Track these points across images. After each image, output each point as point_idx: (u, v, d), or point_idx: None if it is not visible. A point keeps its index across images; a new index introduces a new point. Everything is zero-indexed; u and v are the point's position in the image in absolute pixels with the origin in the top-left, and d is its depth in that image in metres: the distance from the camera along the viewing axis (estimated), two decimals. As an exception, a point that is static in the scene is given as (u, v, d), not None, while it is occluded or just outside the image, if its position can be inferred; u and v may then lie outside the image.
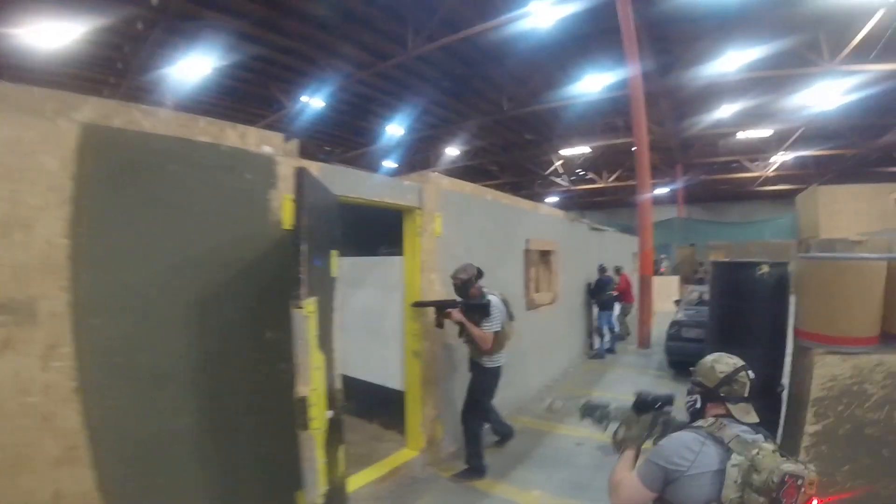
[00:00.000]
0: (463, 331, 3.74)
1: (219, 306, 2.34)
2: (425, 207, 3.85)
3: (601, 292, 7.90)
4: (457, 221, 4.27)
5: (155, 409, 2.12)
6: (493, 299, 3.69)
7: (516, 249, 5.48)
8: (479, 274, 3.73)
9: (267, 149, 2.56)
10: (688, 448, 1.42)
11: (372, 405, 4.73)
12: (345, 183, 3.09)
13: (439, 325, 3.76)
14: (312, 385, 1.88)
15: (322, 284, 2.19)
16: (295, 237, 1.84)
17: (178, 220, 2.22)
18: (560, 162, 21.01)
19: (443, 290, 3.97)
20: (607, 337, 8.11)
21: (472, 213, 4.57)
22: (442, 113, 14.77)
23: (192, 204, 2.27)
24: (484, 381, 3.86)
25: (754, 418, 1.51)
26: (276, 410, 2.45)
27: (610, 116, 14.98)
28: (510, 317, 3.96)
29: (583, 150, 18.33)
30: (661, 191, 21.80)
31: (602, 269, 8.08)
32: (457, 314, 3.62)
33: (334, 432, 2.27)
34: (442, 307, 3.71)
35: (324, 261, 2.31)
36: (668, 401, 1.74)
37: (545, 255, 6.33)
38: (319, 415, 1.97)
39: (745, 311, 3.34)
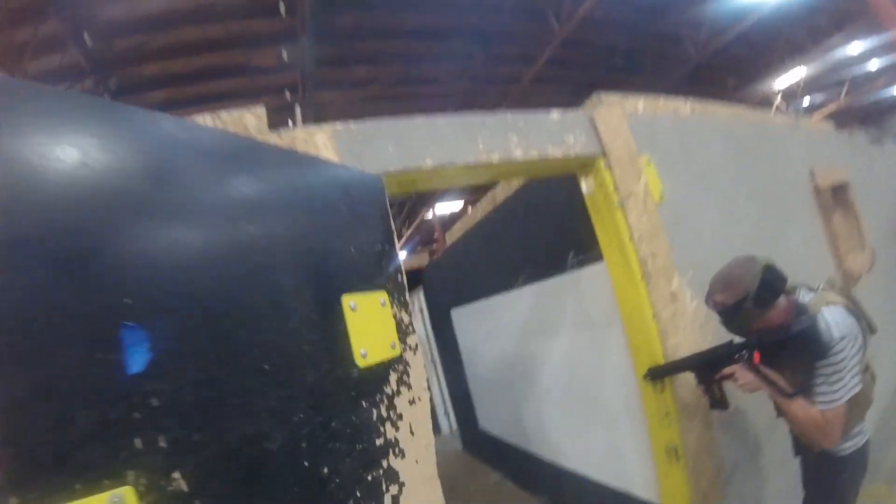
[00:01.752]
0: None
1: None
2: (611, 152, 1.93)
3: None
4: (679, 170, 2.22)
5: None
6: (830, 316, 1.43)
7: (793, 194, 2.99)
8: (772, 277, 1.50)
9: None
10: None
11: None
12: (392, 144, 1.42)
13: (715, 404, 1.70)
14: None
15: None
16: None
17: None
18: (778, 98, 16.34)
19: (703, 304, 1.90)
20: None
21: (701, 152, 2.43)
22: (629, 91, 12.58)
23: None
24: (838, 479, 1.57)
25: None
26: None
27: (811, 20, 10.86)
28: (868, 330, 1.61)
29: (798, 72, 13.82)
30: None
31: None
32: (745, 374, 1.52)
33: None
34: (707, 367, 1.66)
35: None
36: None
37: (838, 193, 3.60)
38: None
39: None
